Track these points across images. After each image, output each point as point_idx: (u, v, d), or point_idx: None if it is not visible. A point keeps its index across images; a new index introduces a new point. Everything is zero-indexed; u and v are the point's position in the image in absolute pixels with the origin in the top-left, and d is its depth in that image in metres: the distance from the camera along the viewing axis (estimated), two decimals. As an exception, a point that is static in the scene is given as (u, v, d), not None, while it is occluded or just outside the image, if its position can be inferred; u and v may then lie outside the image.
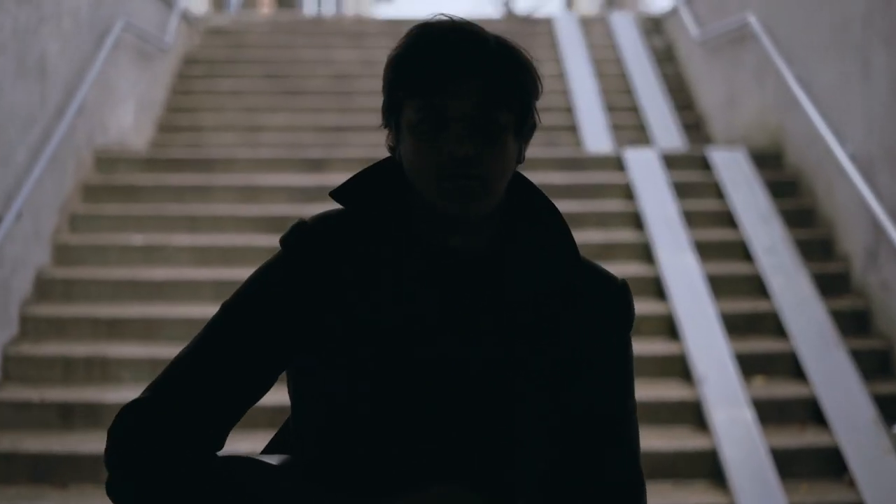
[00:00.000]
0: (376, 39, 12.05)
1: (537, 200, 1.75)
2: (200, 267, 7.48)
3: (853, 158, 7.03)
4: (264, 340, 1.66)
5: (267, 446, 1.84)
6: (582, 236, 7.70)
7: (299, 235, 1.69)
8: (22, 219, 6.74)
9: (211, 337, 1.67)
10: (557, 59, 11.85)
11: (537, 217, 1.73)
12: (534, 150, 8.42)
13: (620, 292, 1.77)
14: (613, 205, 8.19)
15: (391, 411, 1.62)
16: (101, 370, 6.54)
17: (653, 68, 11.51)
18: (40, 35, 7.29)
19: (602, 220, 7.98)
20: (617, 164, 8.65)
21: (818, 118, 7.54)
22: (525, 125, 1.67)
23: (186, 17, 11.85)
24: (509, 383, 1.65)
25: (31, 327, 6.87)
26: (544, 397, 1.67)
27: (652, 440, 5.97)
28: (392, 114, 1.67)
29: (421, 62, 1.61)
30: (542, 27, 12.94)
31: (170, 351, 6.70)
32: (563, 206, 8.05)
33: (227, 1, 16.78)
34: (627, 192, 8.25)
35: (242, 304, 1.68)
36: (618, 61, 11.86)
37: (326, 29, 13.03)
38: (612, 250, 7.63)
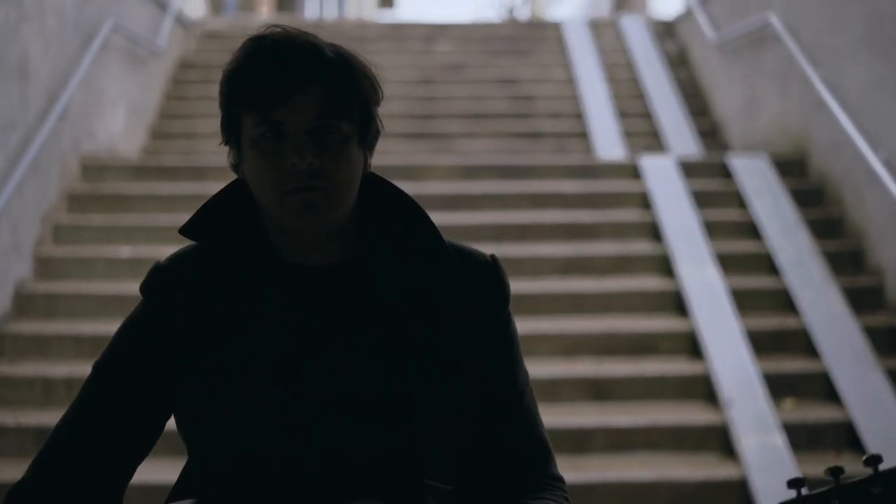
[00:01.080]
0: (377, 44, 11.61)
1: (391, 197, 1.72)
2: (191, 281, 7.03)
3: (887, 165, 6.58)
4: (140, 393, 1.66)
5: (171, 493, 1.77)
6: (596, 248, 7.27)
7: (156, 279, 1.70)
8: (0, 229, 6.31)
9: (87, 399, 1.68)
10: (567, 64, 11.44)
11: (395, 214, 1.71)
12: (544, 157, 8.00)
13: (490, 269, 1.73)
14: (629, 215, 7.74)
15: (284, 440, 1.60)
16: (82, 392, 6.07)
17: (666, 73, 11.08)
18: (21, 34, 6.85)
19: (617, 230, 7.53)
20: (632, 171, 8.20)
21: (848, 122, 7.09)
22: (368, 133, 1.66)
23: (181, 21, 11.44)
24: (399, 386, 1.62)
25: (9, 345, 6.43)
26: (437, 391, 1.64)
27: (676, 469, 5.53)
28: (231, 130, 1.65)
29: (256, 75, 1.58)
30: (551, 31, 12.52)
31: (157, 371, 6.27)
32: (576, 215, 7.67)
33: (224, 4, 16.35)
34: (644, 202, 7.80)
35: (112, 360, 1.69)
36: (629, 66, 11.44)
37: (326, 33, 12.34)
38: (628, 263, 7.18)
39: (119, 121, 9.12)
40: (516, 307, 1.82)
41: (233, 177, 1.73)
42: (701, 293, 6.76)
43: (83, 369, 5.79)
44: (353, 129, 1.62)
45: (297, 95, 1.58)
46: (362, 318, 1.64)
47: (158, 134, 10.12)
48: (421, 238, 1.70)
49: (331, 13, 23.55)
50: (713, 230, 7.43)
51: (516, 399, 1.73)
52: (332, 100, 1.59)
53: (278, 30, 1.63)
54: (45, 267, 7.11)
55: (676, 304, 6.81)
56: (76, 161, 7.98)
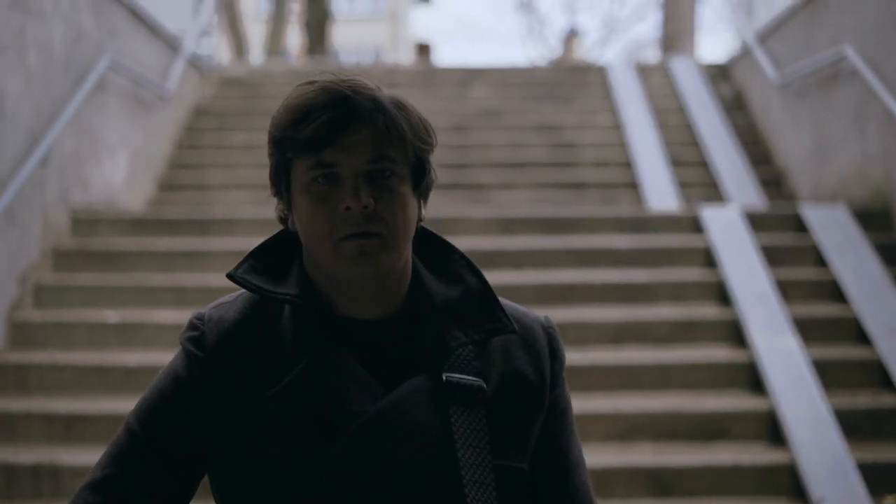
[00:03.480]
0: (408, 90, 10.75)
1: (444, 253, 1.68)
2: (186, 350, 6.11)
3: None
4: (175, 447, 1.59)
5: None
6: (654, 312, 6.31)
7: (197, 330, 1.62)
8: (-39, 291, 5.43)
9: (121, 449, 1.60)
10: (612, 110, 10.54)
11: (447, 271, 1.67)
12: (591, 209, 7.00)
13: (546, 333, 1.69)
14: (691, 274, 6.75)
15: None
16: (50, 483, 5.16)
17: (722, 118, 10.13)
18: (-5, 69, 6.02)
19: (678, 292, 6.54)
20: (692, 224, 7.23)
21: (946, 166, 6.10)
22: (423, 179, 1.61)
23: (196, 65, 10.64)
24: (447, 453, 1.55)
25: (-30, 426, 5.51)
26: (487, 461, 1.56)
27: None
28: (281, 178, 1.59)
29: (307, 118, 1.54)
30: (595, 76, 11.65)
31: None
32: (629, 274, 6.67)
33: (249, 50, 15.60)
34: (707, 259, 6.82)
35: (147, 411, 1.61)
36: (681, 111, 10.52)
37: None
38: (692, 330, 6.19)
39: (120, 170, 8.27)
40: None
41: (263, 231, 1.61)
42: (779, 366, 5.76)
43: (53, 455, 4.80)
44: (408, 174, 1.57)
45: (350, 137, 1.53)
46: (416, 377, 1.58)
47: (167, 185, 9.28)
48: (475, 298, 1.64)
49: (367, 61, 22.84)
50: (789, 291, 6.43)
51: (570, 472, 1.68)
52: (386, 142, 1.54)
53: (330, 75, 1.60)
54: (20, 333, 6.21)
55: (750, 378, 5.81)
56: (65, 213, 7.10)
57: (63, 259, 6.89)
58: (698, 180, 9.25)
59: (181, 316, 6.34)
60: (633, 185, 9.12)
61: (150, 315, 6.35)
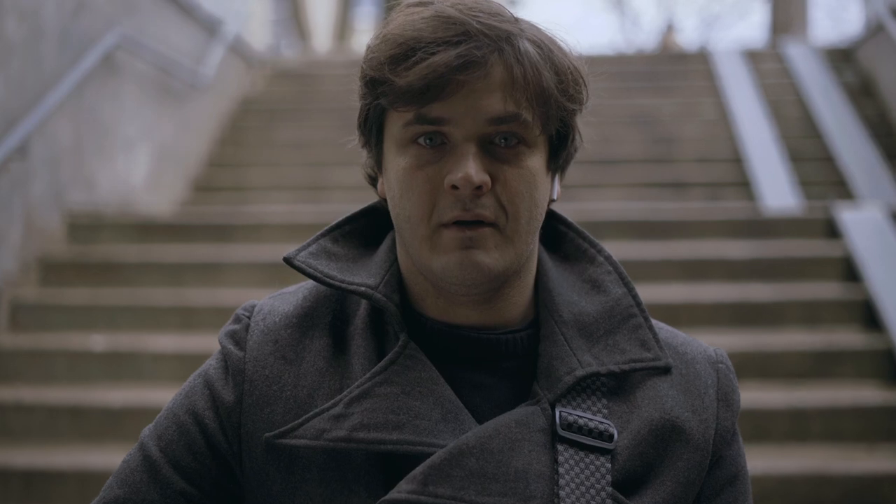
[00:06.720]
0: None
1: (586, 251, 1.27)
2: (185, 386, 4.87)
3: None
4: (198, 478, 1.20)
5: None
6: (781, 339, 4.92)
7: (240, 322, 1.24)
8: None
9: (130, 470, 1.23)
10: (718, 100, 9.13)
11: (587, 276, 1.26)
12: (697, 210, 5.04)
13: (715, 370, 1.25)
14: (828, 290, 5.33)
15: None
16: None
17: (848, 107, 8.66)
18: (-48, 36, 4.86)
19: (811, 313, 5.14)
20: (826, 228, 5.81)
21: None
22: (563, 150, 1.20)
23: (241, 54, 9.48)
24: None
25: None
26: None
27: None
28: (372, 130, 1.18)
29: (412, 56, 1.10)
30: (697, 63, 10.24)
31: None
32: (747, 291, 4.91)
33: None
34: (848, 271, 5.40)
35: (168, 424, 1.23)
36: (799, 100, 9.07)
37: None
38: (833, 363, 4.79)
39: (140, 167, 7.10)
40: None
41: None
42: (954, 413, 4.34)
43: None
44: (543, 143, 1.16)
45: (468, 87, 1.10)
46: (522, 409, 1.18)
47: (202, 186, 8.11)
48: (618, 317, 1.22)
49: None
50: (959, 314, 4.99)
51: None
52: (520, 97, 1.11)
53: None
54: (-13, 364, 5.03)
55: (915, 429, 4.39)
56: (57, 216, 5.92)
57: (52, 272, 5.71)
58: (823, 178, 7.81)
59: (184, 342, 5.12)
60: (744, 184, 7.72)
61: (147, 341, 5.12)
